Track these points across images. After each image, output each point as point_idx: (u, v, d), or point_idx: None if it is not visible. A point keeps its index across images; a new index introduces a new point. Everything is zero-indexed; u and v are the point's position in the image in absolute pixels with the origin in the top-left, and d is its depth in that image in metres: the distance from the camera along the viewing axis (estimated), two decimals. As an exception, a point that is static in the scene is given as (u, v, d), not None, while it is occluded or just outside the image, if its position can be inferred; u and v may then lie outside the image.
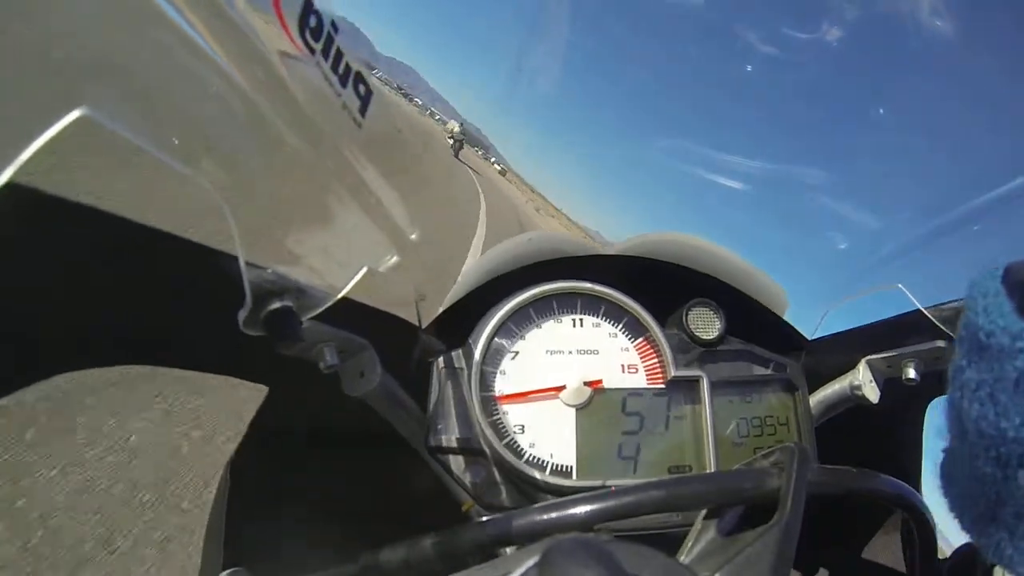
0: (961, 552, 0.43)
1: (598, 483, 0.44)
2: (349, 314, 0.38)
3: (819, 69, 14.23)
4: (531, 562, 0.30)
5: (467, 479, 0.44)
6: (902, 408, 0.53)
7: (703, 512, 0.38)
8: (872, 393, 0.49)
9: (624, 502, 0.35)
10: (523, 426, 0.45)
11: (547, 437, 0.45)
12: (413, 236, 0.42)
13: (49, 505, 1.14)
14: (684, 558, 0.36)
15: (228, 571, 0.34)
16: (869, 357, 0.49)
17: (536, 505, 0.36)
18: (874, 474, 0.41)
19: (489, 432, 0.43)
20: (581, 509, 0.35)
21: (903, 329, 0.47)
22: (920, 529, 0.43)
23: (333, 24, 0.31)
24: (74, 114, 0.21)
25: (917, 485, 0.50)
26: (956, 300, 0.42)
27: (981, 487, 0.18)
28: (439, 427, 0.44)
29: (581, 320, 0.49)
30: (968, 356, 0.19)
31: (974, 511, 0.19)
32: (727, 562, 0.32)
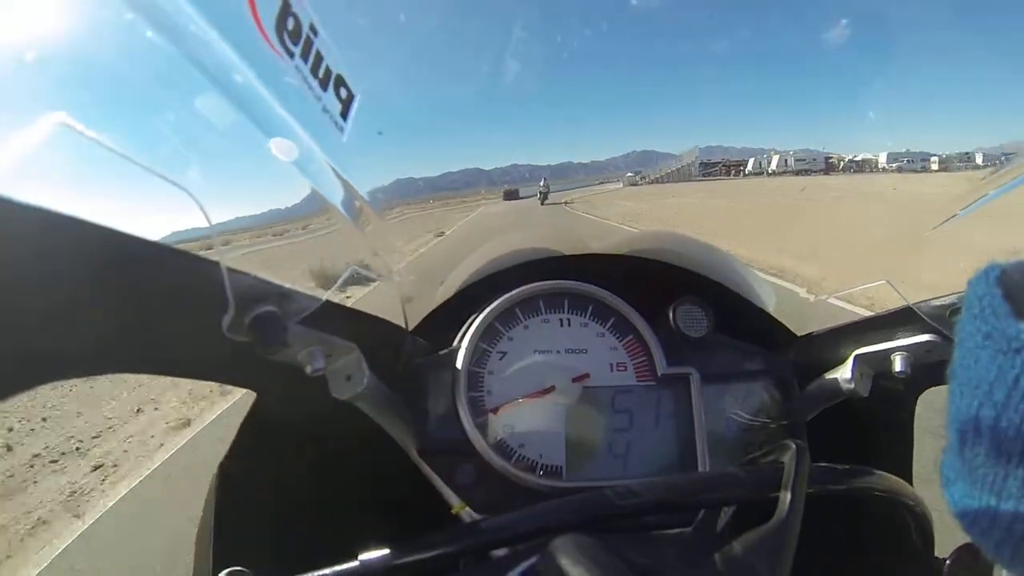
0: (960, 550, 0.43)
1: (588, 482, 0.43)
2: (335, 317, 0.37)
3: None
4: (529, 562, 0.30)
5: (457, 481, 0.44)
6: (893, 401, 0.53)
7: (702, 511, 0.37)
8: (863, 386, 0.49)
9: (621, 503, 0.35)
10: (512, 426, 0.45)
11: (536, 437, 0.45)
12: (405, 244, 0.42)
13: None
14: (682, 558, 0.36)
15: (227, 571, 0.34)
16: (859, 351, 0.49)
17: (530, 507, 0.36)
18: (872, 471, 0.41)
19: (478, 433, 0.43)
20: (578, 510, 0.35)
21: (892, 324, 0.47)
22: (918, 527, 0.42)
23: (312, 27, 0.31)
24: (52, 120, 0.21)
25: (908, 477, 0.50)
26: (944, 296, 0.42)
27: (980, 485, 0.18)
28: (428, 429, 0.44)
29: (569, 320, 0.49)
30: (966, 357, 0.19)
31: (974, 509, 0.19)
32: (726, 562, 0.32)
